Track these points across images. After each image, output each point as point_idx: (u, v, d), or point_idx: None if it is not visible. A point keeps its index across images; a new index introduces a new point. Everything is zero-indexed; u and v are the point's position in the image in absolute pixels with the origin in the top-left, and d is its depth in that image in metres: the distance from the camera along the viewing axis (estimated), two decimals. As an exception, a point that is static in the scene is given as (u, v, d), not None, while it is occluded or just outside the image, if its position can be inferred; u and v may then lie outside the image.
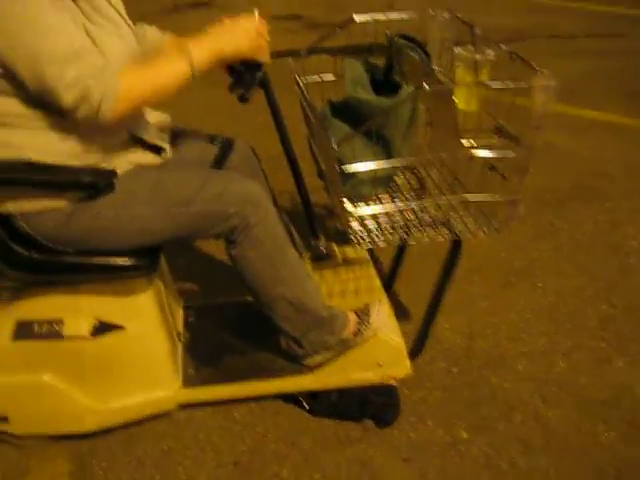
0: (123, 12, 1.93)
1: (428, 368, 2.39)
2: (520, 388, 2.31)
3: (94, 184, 1.75)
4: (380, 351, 2.12)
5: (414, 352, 2.20)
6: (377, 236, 1.94)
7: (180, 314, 2.38)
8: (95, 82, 1.57)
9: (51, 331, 1.94)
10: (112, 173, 1.78)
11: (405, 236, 1.95)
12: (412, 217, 1.99)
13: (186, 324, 2.35)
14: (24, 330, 1.94)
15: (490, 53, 1.98)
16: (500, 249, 3.10)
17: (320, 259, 2.21)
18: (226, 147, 2.21)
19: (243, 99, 1.84)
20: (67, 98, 1.58)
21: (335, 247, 2.23)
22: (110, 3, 1.88)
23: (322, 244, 2.20)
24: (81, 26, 1.68)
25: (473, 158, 1.81)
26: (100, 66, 1.60)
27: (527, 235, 3.22)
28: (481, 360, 2.43)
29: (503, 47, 1.91)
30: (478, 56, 1.97)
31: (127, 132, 1.85)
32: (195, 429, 2.17)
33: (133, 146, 1.87)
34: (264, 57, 1.86)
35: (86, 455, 2.09)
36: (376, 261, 2.86)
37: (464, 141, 1.80)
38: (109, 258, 1.87)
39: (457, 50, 2.02)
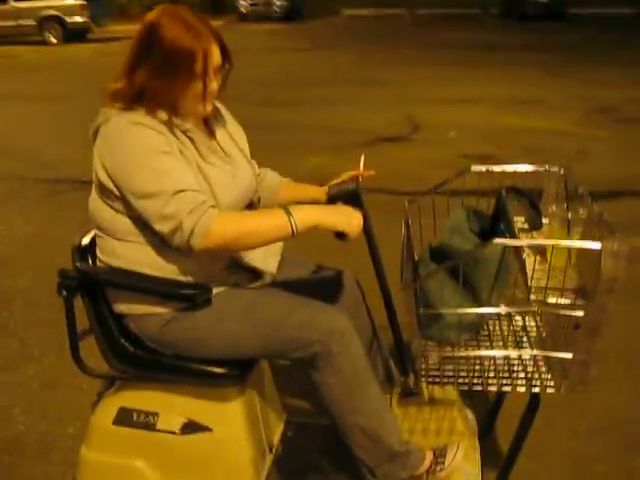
0: (246, 153, 2.19)
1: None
2: None
3: (192, 297, 1.98)
4: (452, 495, 2.12)
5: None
6: (448, 378, 2.00)
7: (280, 427, 2.51)
8: (189, 218, 1.81)
9: (147, 422, 2.16)
10: (209, 289, 2.00)
11: (477, 383, 1.98)
12: (489, 364, 2.03)
13: (283, 438, 2.48)
14: (125, 417, 2.18)
15: (583, 212, 2.02)
16: (634, 410, 2.95)
17: (408, 395, 2.27)
18: (331, 278, 2.37)
19: (341, 238, 1.99)
20: (164, 228, 1.85)
21: (424, 385, 2.28)
22: (236, 144, 2.16)
23: (411, 381, 2.26)
24: (194, 164, 1.95)
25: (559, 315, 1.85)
26: (198, 205, 1.83)
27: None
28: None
29: (595, 208, 1.94)
30: (570, 215, 2.02)
31: (231, 257, 2.07)
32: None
33: (235, 269, 2.09)
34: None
35: None
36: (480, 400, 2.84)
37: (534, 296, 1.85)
38: (203, 365, 2.08)
39: (551, 208, 2.08)
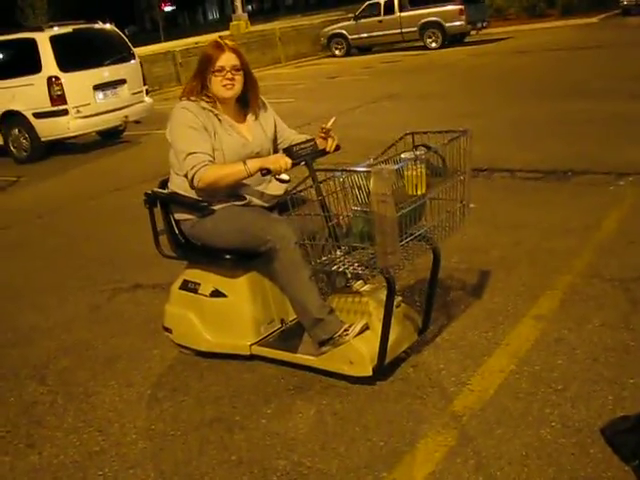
0: (267, 131, 3.55)
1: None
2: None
3: (201, 209, 3.37)
4: (351, 353, 3.18)
5: (378, 362, 3.19)
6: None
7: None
8: (194, 169, 3.24)
9: (194, 288, 3.60)
10: (211, 205, 3.36)
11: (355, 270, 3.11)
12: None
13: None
14: (184, 285, 3.64)
15: (421, 154, 2.96)
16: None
17: (344, 288, 3.36)
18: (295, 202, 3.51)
19: (266, 173, 3.24)
20: (182, 172, 3.33)
21: (358, 284, 3.34)
22: (261, 126, 3.52)
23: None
24: (213, 133, 3.33)
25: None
26: (200, 162, 3.24)
27: None
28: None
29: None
30: (414, 154, 2.97)
31: (231, 189, 3.39)
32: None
33: (234, 196, 3.41)
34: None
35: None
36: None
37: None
38: (219, 252, 3.43)
39: (404, 154, 3.02)
